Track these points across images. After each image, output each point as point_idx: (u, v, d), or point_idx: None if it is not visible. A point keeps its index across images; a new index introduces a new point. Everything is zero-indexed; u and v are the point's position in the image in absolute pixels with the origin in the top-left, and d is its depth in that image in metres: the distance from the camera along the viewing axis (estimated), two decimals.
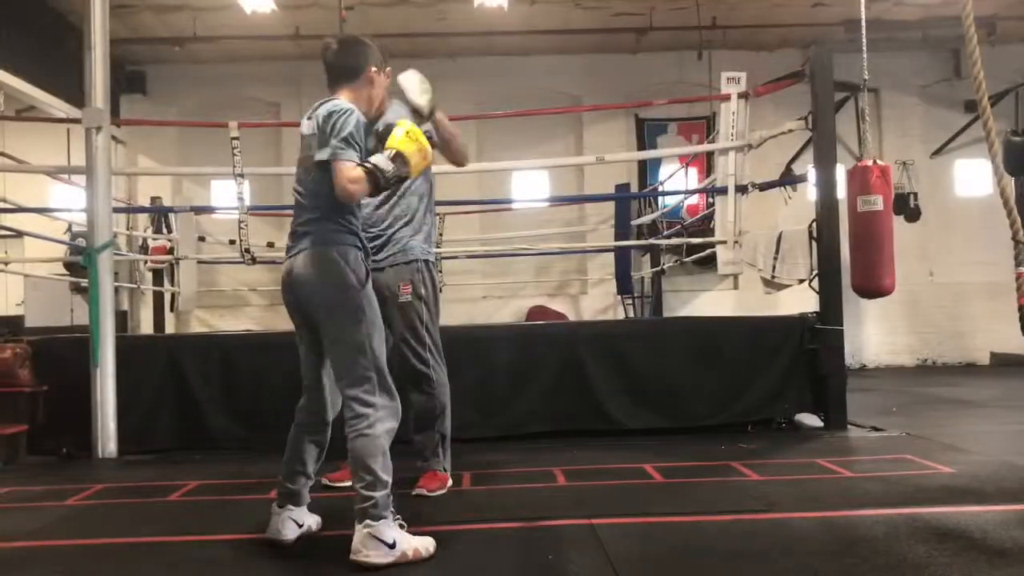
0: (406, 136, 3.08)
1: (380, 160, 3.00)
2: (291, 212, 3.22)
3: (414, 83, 3.70)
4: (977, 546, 2.92)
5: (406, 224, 4.01)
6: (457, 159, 4.09)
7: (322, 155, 2.99)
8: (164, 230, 11.69)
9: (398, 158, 3.02)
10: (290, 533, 3.13)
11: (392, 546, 2.82)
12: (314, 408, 3.18)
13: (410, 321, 3.97)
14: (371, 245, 3.63)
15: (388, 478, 2.90)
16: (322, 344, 3.08)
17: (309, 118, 3.14)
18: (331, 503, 3.77)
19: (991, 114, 3.47)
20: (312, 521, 3.24)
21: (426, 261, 4.06)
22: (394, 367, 3.66)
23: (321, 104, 3.13)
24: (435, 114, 3.80)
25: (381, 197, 3.86)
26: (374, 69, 3.32)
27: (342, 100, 3.13)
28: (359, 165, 2.96)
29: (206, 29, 11.62)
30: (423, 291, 4.01)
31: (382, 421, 2.94)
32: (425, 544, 2.92)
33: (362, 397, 2.94)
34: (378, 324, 3.07)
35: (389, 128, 3.17)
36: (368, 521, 2.83)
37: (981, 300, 12.92)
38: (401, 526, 2.92)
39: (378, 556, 2.80)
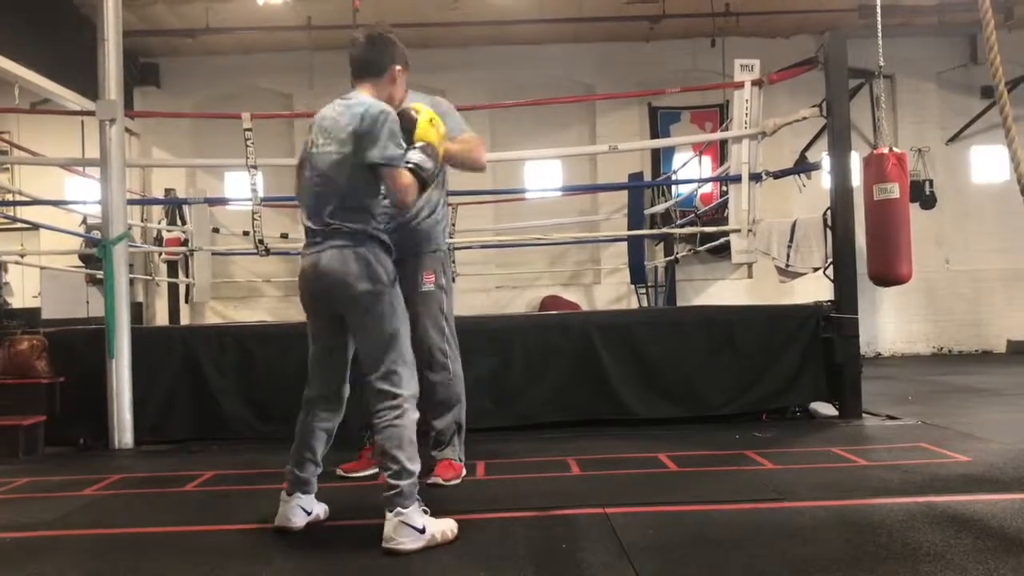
0: (429, 124, 3.14)
1: (419, 158, 3.08)
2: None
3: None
4: (994, 535, 2.90)
5: (430, 215, 4.06)
6: (472, 170, 4.08)
7: (373, 157, 3.01)
8: (178, 222, 11.76)
9: (429, 150, 3.11)
10: (299, 520, 3.18)
11: (422, 531, 2.90)
12: (328, 400, 3.24)
13: (432, 310, 3.99)
14: (396, 235, 3.69)
15: (415, 467, 3.00)
16: (342, 337, 3.18)
17: (339, 113, 3.12)
18: (345, 493, 3.80)
19: (1008, 100, 3.43)
20: (319, 509, 3.29)
21: (445, 251, 4.14)
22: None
23: (354, 100, 3.14)
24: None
25: None
26: (399, 68, 3.32)
27: (371, 98, 3.15)
28: (407, 169, 3.04)
29: (219, 20, 11.63)
30: (444, 281, 4.08)
31: (409, 412, 3.05)
32: (450, 526, 3.02)
33: (391, 390, 3.04)
34: (405, 318, 3.17)
35: (410, 117, 3.18)
36: (398, 509, 2.90)
37: (998, 287, 12.84)
38: (424, 511, 2.98)
39: (410, 542, 2.88)
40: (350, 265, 3.03)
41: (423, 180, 3.08)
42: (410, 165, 3.04)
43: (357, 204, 3.07)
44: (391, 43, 3.31)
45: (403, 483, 2.92)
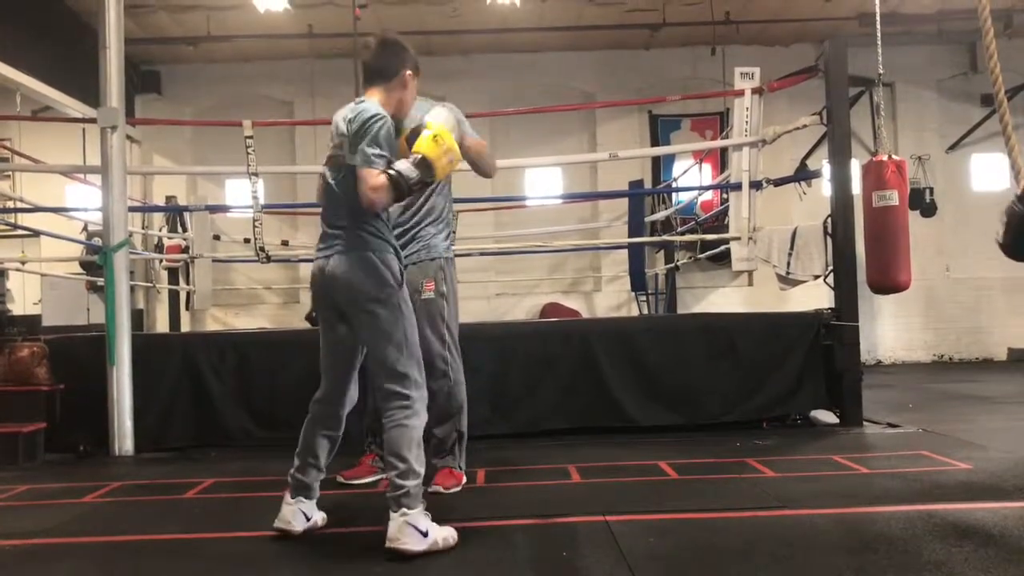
0: (432, 140, 3.10)
1: (404, 167, 3.05)
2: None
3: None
4: (995, 543, 2.90)
5: (432, 222, 4.07)
6: (485, 174, 4.15)
7: (352, 160, 3.05)
8: (179, 229, 11.75)
9: (422, 163, 3.08)
10: (299, 525, 3.19)
11: (425, 534, 2.91)
12: (332, 402, 3.25)
13: (432, 318, 4.00)
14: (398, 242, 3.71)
15: (421, 469, 3.01)
16: (350, 341, 3.19)
17: (345, 117, 3.17)
18: (345, 499, 3.79)
19: (1008, 108, 3.44)
20: (318, 516, 3.29)
21: (448, 259, 4.13)
22: None
23: (356, 104, 3.19)
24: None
25: (412, 196, 3.91)
26: (408, 72, 3.34)
27: (373, 103, 3.18)
28: (383, 172, 3.01)
29: (220, 28, 11.66)
30: (444, 288, 4.08)
31: (418, 414, 3.08)
32: (451, 533, 3.02)
33: (401, 391, 3.06)
34: (413, 321, 3.19)
35: (419, 130, 3.20)
36: (404, 509, 2.91)
37: (998, 295, 12.84)
38: (426, 514, 2.98)
39: (414, 543, 2.88)
40: (355, 269, 3.06)
41: (400, 189, 3.04)
42: (392, 172, 3.02)
43: (359, 209, 3.07)
44: (401, 47, 3.35)
45: (409, 483, 2.93)
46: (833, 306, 5.88)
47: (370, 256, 3.08)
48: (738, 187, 6.58)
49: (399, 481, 2.93)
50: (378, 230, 3.13)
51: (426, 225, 4.04)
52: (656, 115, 13.09)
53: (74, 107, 10.11)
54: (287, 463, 3.27)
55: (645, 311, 12.14)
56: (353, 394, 3.28)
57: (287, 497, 3.22)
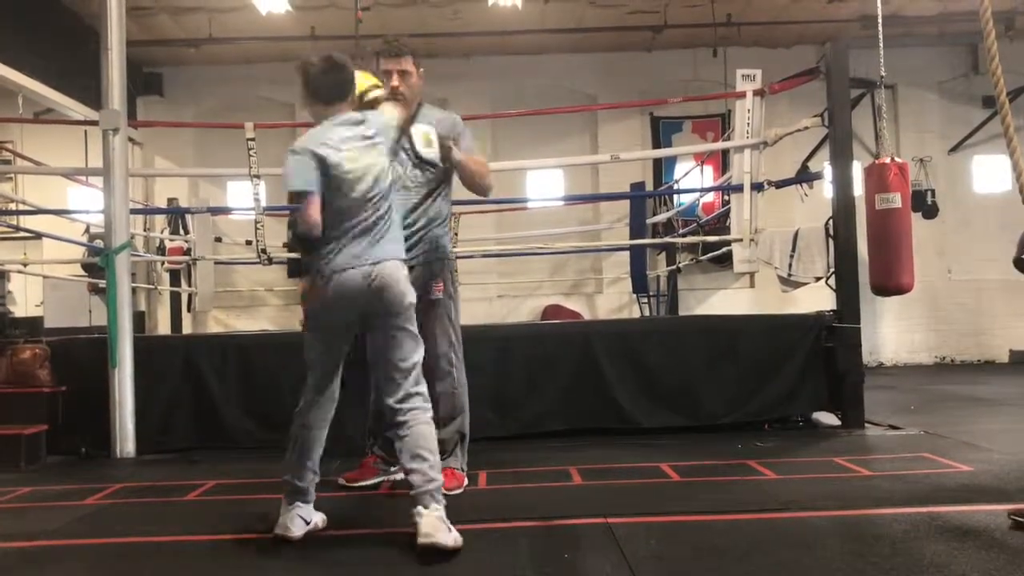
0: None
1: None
2: None
3: (418, 138, 3.94)
4: (997, 545, 2.90)
5: (439, 224, 4.09)
6: (478, 194, 4.13)
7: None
8: (181, 231, 11.75)
9: None
10: (298, 530, 3.19)
11: (449, 530, 2.94)
12: (328, 404, 3.29)
13: (441, 319, 4.02)
14: (406, 244, 3.75)
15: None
16: (350, 346, 3.28)
17: (373, 134, 3.30)
18: (346, 502, 3.79)
19: (1009, 109, 3.44)
20: (318, 518, 3.30)
21: (453, 259, 4.19)
22: None
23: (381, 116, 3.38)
24: (451, 158, 3.85)
25: (419, 198, 3.99)
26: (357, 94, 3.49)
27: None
28: None
29: (222, 30, 11.66)
30: (451, 289, 4.10)
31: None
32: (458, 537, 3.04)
33: (423, 392, 3.21)
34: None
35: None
36: (435, 504, 2.96)
37: (1000, 297, 12.82)
38: None
39: (447, 539, 2.90)
40: (402, 276, 3.21)
41: None
42: None
43: (399, 218, 3.31)
44: (351, 70, 3.44)
45: (439, 479, 3.00)
46: (835, 308, 5.88)
47: (404, 264, 3.27)
48: (740, 189, 6.58)
49: (432, 474, 3.00)
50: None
51: (434, 227, 4.06)
52: (658, 117, 13.08)
53: (76, 109, 10.13)
54: None
55: (647, 313, 12.13)
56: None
57: (283, 504, 3.24)
